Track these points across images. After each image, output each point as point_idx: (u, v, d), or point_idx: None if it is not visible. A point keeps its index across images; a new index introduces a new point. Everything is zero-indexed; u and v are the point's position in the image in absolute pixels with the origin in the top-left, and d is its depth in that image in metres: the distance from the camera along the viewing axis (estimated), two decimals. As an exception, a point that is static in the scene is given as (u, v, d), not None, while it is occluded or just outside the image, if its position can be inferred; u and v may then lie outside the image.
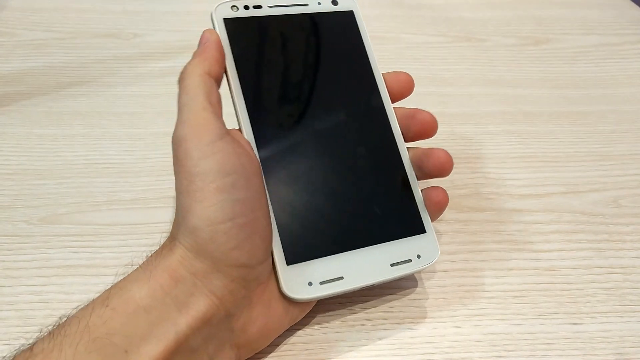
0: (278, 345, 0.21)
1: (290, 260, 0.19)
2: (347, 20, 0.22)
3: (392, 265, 0.20)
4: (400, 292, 0.23)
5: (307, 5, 0.22)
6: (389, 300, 0.23)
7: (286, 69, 0.21)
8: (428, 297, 0.23)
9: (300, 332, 0.22)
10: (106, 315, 0.17)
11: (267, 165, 0.20)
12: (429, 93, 0.36)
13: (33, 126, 0.32)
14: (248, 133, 0.20)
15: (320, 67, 0.21)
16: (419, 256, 0.20)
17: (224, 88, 0.21)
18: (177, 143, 0.19)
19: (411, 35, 0.42)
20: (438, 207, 0.22)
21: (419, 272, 0.21)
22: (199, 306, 0.17)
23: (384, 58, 0.41)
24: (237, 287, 0.18)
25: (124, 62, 0.37)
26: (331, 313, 0.23)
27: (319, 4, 0.22)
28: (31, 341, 0.17)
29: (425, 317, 0.23)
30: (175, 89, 0.36)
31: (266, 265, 0.19)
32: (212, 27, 0.21)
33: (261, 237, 0.19)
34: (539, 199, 0.29)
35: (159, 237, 0.26)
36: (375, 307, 0.23)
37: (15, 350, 0.17)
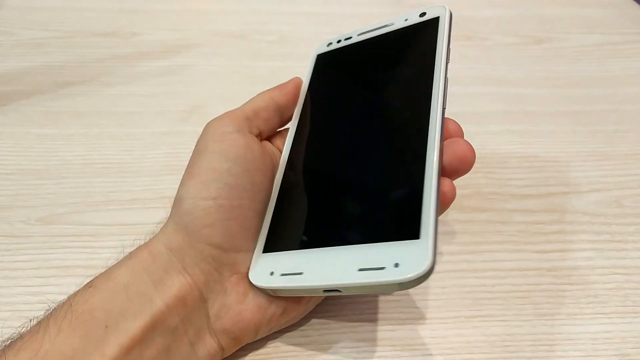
0: (279, 346, 0.21)
1: (266, 249, 0.19)
2: (427, 29, 0.21)
3: (359, 270, 0.16)
4: (401, 293, 0.23)
5: (393, 24, 0.22)
6: (390, 301, 0.23)
7: (346, 91, 0.21)
8: (429, 298, 0.23)
9: (300, 332, 0.22)
10: (88, 294, 0.18)
11: (291, 158, 0.21)
12: (430, 92, 0.36)
13: (31, 126, 0.31)
14: (290, 136, 0.22)
15: (378, 82, 0.21)
16: (396, 265, 0.15)
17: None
18: (204, 130, 0.21)
19: (412, 34, 0.41)
20: (462, 161, 0.18)
21: (397, 286, 0.16)
22: (173, 282, 0.18)
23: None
24: (209, 268, 0.19)
25: (123, 61, 0.37)
26: (332, 313, 0.22)
27: (406, 20, 0.22)
28: (23, 330, 0.17)
29: (426, 319, 0.22)
30: (174, 87, 0.36)
31: (244, 256, 0.19)
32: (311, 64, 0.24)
33: (240, 225, 0.19)
34: (541, 199, 0.29)
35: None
36: (376, 308, 0.23)
37: (8, 339, 0.17)
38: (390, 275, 0.16)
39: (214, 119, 0.21)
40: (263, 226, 0.20)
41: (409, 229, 0.16)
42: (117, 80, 0.35)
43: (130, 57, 0.37)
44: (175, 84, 0.35)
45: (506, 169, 0.30)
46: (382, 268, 0.16)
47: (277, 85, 0.23)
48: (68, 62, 0.36)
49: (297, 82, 0.23)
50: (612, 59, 0.40)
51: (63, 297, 0.18)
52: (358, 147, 0.20)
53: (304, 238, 0.19)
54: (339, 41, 0.23)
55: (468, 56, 0.39)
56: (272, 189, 0.21)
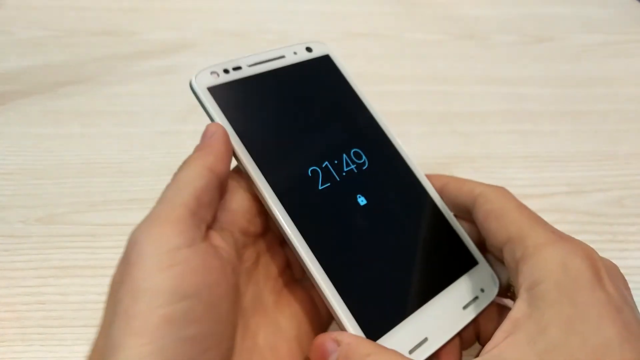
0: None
1: (373, 335, 0.17)
2: (325, 65, 0.22)
3: (464, 307, 0.19)
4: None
5: (284, 57, 0.21)
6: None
7: (287, 128, 0.20)
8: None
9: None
10: None
11: (313, 240, 0.17)
12: (431, 92, 0.36)
13: (30, 125, 0.31)
14: (275, 207, 0.17)
15: (319, 117, 0.20)
16: (482, 290, 0.19)
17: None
18: (131, 242, 0.14)
19: (413, 33, 0.41)
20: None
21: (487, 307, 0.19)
22: None
23: (385, 56, 0.41)
24: None
25: (122, 61, 0.37)
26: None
27: (295, 53, 0.21)
28: None
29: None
30: (173, 86, 0.36)
31: None
32: (196, 98, 0.19)
33: None
34: (543, 199, 0.28)
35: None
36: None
37: None
38: (485, 299, 0.19)
39: (145, 225, 0.15)
40: (344, 320, 0.17)
41: (468, 261, 0.20)
42: (116, 80, 0.35)
43: (129, 56, 0.37)
44: (174, 83, 0.35)
45: (507, 168, 0.30)
46: (476, 297, 0.19)
47: (204, 147, 0.17)
48: (67, 62, 0.36)
49: (225, 137, 0.18)
50: (613, 59, 0.40)
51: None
52: (367, 203, 0.19)
53: (397, 308, 0.18)
54: (225, 71, 0.19)
55: (469, 56, 0.39)
56: (232, 314, 0.15)
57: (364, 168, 0.20)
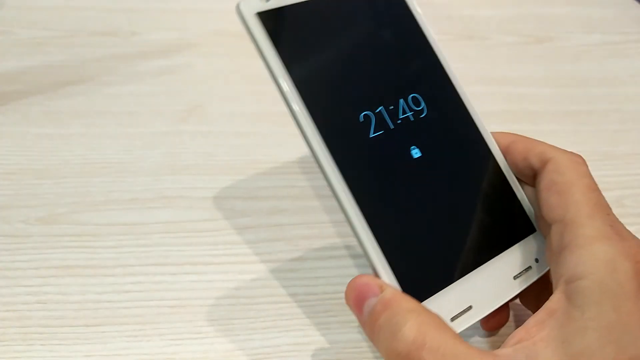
0: (279, 346, 0.21)
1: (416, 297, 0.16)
2: (396, 2, 0.19)
3: (514, 278, 0.17)
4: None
5: None
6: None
7: (341, 64, 0.18)
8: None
9: (301, 332, 0.22)
10: None
11: (358, 189, 0.16)
12: (431, 92, 0.36)
13: (30, 125, 0.31)
14: (319, 148, 0.16)
15: (379, 55, 0.18)
16: (537, 260, 0.18)
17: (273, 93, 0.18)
18: None
19: (412, 33, 0.41)
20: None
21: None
22: None
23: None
24: None
25: (122, 61, 0.37)
26: (332, 313, 0.22)
27: None
28: None
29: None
30: (173, 87, 0.36)
31: None
32: (244, 25, 0.17)
33: None
34: (542, 199, 0.28)
35: (157, 238, 0.25)
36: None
37: None
38: (539, 271, 0.18)
39: None
40: (380, 271, 0.16)
41: (525, 228, 0.18)
42: (116, 80, 0.35)
43: (129, 56, 0.37)
44: (175, 84, 0.35)
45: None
46: (529, 267, 0.18)
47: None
48: (67, 62, 0.36)
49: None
50: (613, 59, 0.40)
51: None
52: (425, 159, 0.18)
53: (443, 271, 0.17)
54: None
55: (468, 56, 0.39)
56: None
57: (422, 116, 0.18)
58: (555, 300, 0.14)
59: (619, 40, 0.42)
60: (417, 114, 0.18)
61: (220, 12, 0.43)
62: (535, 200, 0.18)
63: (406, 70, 0.19)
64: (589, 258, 0.14)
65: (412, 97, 0.18)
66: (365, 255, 0.16)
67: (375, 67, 0.18)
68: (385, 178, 0.17)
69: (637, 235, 0.27)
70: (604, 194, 0.30)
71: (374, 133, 0.17)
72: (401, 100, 0.18)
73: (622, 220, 0.28)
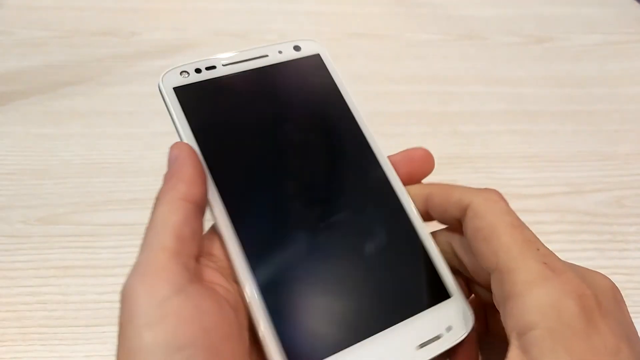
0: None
1: None
2: (314, 65, 0.19)
3: (419, 346, 0.15)
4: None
5: (267, 56, 0.18)
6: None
7: (258, 135, 0.17)
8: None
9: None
10: None
11: (255, 259, 0.15)
12: (431, 92, 0.36)
13: (30, 125, 0.31)
14: (223, 223, 0.16)
15: (296, 125, 0.18)
16: (449, 328, 0.16)
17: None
18: (122, 299, 0.14)
19: (412, 33, 0.41)
20: (420, 161, 0.18)
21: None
22: None
23: (385, 56, 0.41)
24: None
25: (122, 61, 0.37)
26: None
27: (280, 52, 0.19)
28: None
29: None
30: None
31: None
32: (163, 101, 0.18)
33: None
34: (542, 199, 0.28)
35: (158, 238, 0.25)
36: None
37: None
38: (450, 340, 0.16)
39: (131, 279, 0.14)
40: (272, 349, 0.14)
41: (439, 291, 0.16)
42: (116, 80, 0.35)
43: (129, 56, 0.37)
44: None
45: (507, 168, 0.30)
46: (439, 336, 0.16)
47: (172, 175, 0.16)
48: (67, 62, 0.36)
49: (190, 155, 0.16)
50: (613, 59, 0.40)
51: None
52: (327, 211, 0.17)
53: (341, 337, 0.15)
54: (197, 70, 0.17)
55: (468, 56, 0.39)
56: (240, 353, 0.14)
57: (336, 185, 0.17)
58: (512, 357, 0.14)
59: (619, 41, 0.42)
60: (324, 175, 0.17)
61: (220, 12, 0.42)
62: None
63: (326, 146, 0.18)
64: (533, 306, 0.14)
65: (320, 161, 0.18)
66: (252, 317, 0.15)
67: (295, 147, 0.18)
68: (280, 241, 0.16)
69: (636, 236, 0.27)
70: (604, 194, 0.30)
71: (272, 199, 0.17)
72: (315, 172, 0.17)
73: (621, 220, 0.28)
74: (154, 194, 0.31)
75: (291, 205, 0.17)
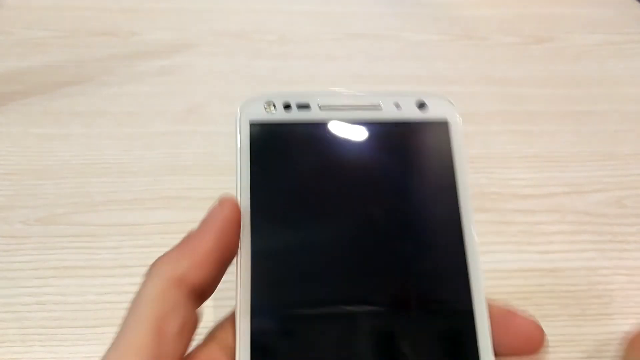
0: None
1: None
2: (437, 134, 0.15)
3: None
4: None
5: (379, 108, 0.14)
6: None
7: (336, 212, 0.13)
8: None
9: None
10: None
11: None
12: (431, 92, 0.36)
13: (30, 125, 0.31)
14: (242, 322, 0.12)
15: (387, 210, 0.14)
16: None
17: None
18: None
19: (412, 33, 0.41)
20: (527, 343, 0.13)
21: None
22: None
23: (384, 57, 0.41)
24: None
25: (122, 61, 0.37)
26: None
27: (398, 106, 0.14)
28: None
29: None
30: (173, 87, 0.36)
31: None
32: (235, 133, 0.14)
33: None
34: (543, 199, 0.28)
35: (157, 238, 0.25)
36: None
37: None
38: None
39: None
40: None
41: None
42: (116, 80, 0.35)
43: (129, 56, 0.37)
44: (174, 84, 0.35)
45: (507, 169, 0.30)
46: None
47: (191, 239, 0.13)
48: (67, 62, 0.36)
49: (227, 220, 0.13)
50: (613, 59, 0.40)
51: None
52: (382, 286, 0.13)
53: None
54: (287, 106, 0.14)
55: (468, 56, 0.39)
56: None
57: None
58: None
59: (619, 41, 0.42)
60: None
61: (220, 12, 0.42)
62: None
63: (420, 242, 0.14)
64: None
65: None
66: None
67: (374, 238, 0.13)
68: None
69: (637, 236, 0.27)
70: (604, 194, 0.30)
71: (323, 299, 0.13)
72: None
73: (621, 220, 0.28)
74: (153, 194, 0.31)
75: (344, 318, 0.13)
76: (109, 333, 0.22)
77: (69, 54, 0.37)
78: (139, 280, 0.25)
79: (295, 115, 0.14)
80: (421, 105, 0.15)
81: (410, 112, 0.15)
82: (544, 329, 0.22)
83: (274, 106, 0.14)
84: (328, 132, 0.14)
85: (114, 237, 0.25)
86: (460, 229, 0.14)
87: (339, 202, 0.14)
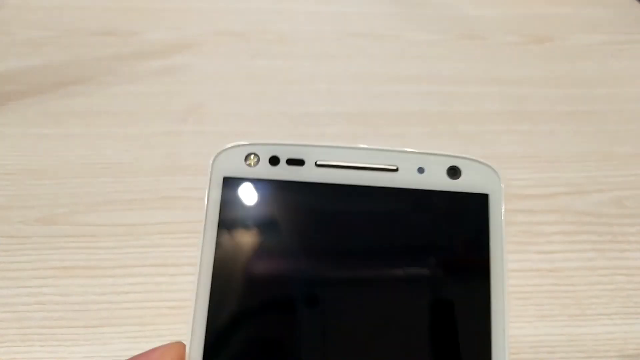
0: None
1: None
2: (473, 209, 0.11)
3: None
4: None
5: (396, 170, 0.11)
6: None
7: (327, 305, 0.11)
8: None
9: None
10: None
11: None
12: (431, 92, 0.36)
13: (29, 126, 0.31)
14: None
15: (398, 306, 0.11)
16: None
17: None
18: None
19: (412, 33, 0.41)
20: None
21: None
22: None
23: (385, 56, 0.41)
24: None
25: (122, 61, 0.37)
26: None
27: (421, 171, 0.11)
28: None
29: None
30: (173, 87, 0.36)
31: None
32: (206, 190, 0.12)
33: None
34: (543, 199, 0.28)
35: (157, 238, 0.25)
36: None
37: None
38: None
39: None
40: None
41: None
42: (116, 80, 0.35)
43: (129, 56, 0.37)
44: (174, 84, 0.35)
45: (508, 169, 0.30)
46: None
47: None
48: (67, 62, 0.36)
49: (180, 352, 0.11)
50: (614, 59, 0.40)
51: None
52: None
53: None
54: (274, 161, 0.11)
55: (469, 55, 0.39)
56: None
57: None
58: None
59: (620, 40, 0.42)
60: None
61: (220, 12, 0.42)
62: None
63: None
64: None
65: None
66: None
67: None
68: None
69: (637, 236, 0.27)
70: (605, 194, 0.30)
71: None
72: None
73: (622, 220, 0.28)
74: (153, 195, 0.31)
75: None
76: (109, 333, 0.22)
77: (68, 54, 0.37)
78: (139, 280, 0.25)
79: (283, 173, 0.11)
80: (453, 172, 0.11)
81: (437, 180, 0.11)
82: (544, 329, 0.22)
83: (257, 158, 0.11)
84: (324, 197, 0.11)
85: (113, 237, 0.25)
86: (489, 344, 0.11)
87: (329, 294, 0.10)
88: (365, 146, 0.11)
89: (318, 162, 0.11)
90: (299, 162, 0.11)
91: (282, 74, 0.36)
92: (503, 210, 0.11)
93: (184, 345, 0.11)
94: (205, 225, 0.11)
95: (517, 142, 0.32)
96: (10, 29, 0.39)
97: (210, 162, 0.11)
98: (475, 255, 0.11)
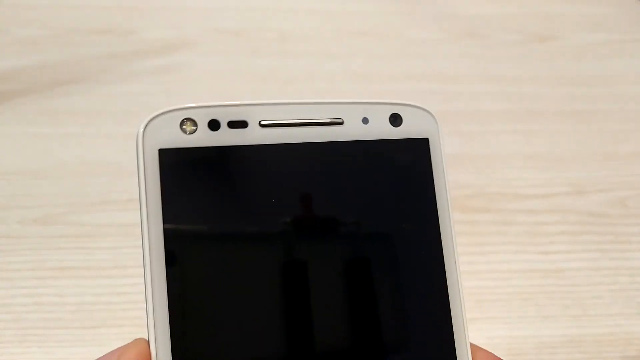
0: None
1: None
2: (413, 154, 0.12)
3: None
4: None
5: (341, 123, 0.11)
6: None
7: (282, 270, 0.11)
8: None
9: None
10: None
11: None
12: (432, 91, 0.35)
13: (27, 125, 0.31)
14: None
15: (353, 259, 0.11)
16: None
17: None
18: None
19: (413, 31, 0.41)
20: None
21: None
22: None
23: (385, 55, 0.41)
24: None
25: (120, 59, 0.36)
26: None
27: (366, 121, 0.11)
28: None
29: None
30: (172, 85, 0.35)
31: None
32: (138, 167, 0.10)
33: None
34: (545, 200, 0.28)
35: (156, 239, 0.25)
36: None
37: None
38: None
39: None
40: None
41: None
42: (114, 79, 0.35)
43: (127, 55, 0.37)
44: (173, 83, 0.35)
45: (509, 168, 0.30)
46: None
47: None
48: (65, 61, 0.36)
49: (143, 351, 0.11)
50: (616, 58, 0.40)
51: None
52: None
53: None
54: (213, 125, 0.10)
55: (470, 54, 0.39)
56: None
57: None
58: None
59: (623, 39, 0.42)
60: None
61: (219, 10, 0.42)
62: None
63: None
64: None
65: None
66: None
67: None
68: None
69: (639, 236, 0.27)
70: (606, 194, 0.30)
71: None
72: None
73: (624, 220, 0.28)
74: (151, 194, 0.31)
75: None
76: (107, 334, 0.21)
77: (66, 53, 0.37)
78: (136, 280, 0.25)
79: (225, 137, 0.10)
80: (394, 119, 0.11)
81: (380, 129, 0.11)
82: (546, 330, 0.22)
83: (195, 124, 0.10)
84: (273, 159, 0.10)
85: (111, 237, 0.25)
86: (444, 276, 0.12)
87: (285, 256, 0.10)
88: (309, 100, 0.11)
89: (262, 122, 0.10)
90: (242, 124, 0.10)
91: (282, 73, 0.36)
92: (443, 151, 0.12)
93: (145, 340, 0.11)
94: (145, 209, 0.10)
95: (518, 142, 0.32)
96: (7, 27, 0.39)
97: (140, 132, 0.10)
98: (422, 194, 0.12)
